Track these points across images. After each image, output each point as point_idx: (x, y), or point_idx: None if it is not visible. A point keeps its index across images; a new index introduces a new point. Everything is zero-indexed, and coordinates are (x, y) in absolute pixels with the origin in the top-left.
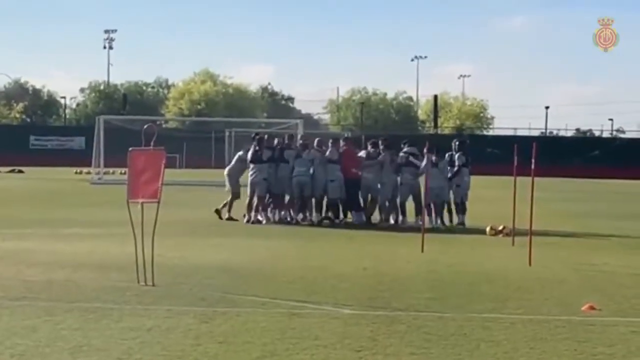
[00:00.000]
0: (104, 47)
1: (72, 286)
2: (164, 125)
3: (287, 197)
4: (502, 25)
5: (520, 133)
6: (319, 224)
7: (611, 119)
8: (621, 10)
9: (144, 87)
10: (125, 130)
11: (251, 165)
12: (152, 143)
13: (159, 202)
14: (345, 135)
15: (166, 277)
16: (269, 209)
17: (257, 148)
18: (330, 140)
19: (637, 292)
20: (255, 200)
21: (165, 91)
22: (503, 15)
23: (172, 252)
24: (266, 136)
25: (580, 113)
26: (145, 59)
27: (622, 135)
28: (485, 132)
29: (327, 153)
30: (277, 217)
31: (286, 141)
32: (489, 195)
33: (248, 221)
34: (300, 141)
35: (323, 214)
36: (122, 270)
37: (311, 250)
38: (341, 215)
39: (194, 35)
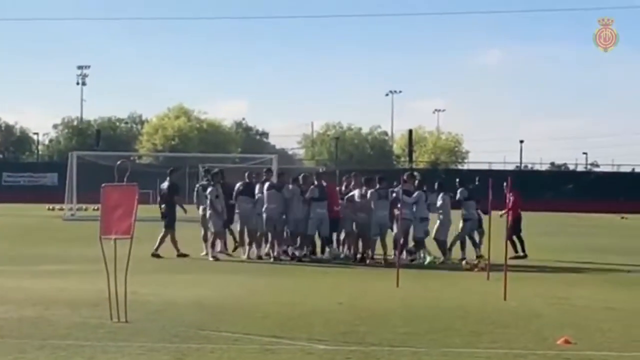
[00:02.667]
0: (77, 83)
1: (44, 323)
2: (137, 161)
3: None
4: (476, 60)
5: (495, 167)
6: (299, 259)
7: (585, 153)
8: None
9: (117, 123)
10: (98, 166)
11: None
12: (125, 179)
13: (132, 239)
14: (320, 170)
15: (139, 313)
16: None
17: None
18: (302, 176)
19: (611, 326)
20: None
21: (139, 127)
22: (477, 49)
23: (145, 288)
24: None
25: (555, 147)
26: (118, 94)
27: (596, 169)
28: (460, 167)
29: (309, 192)
30: (255, 254)
31: (263, 176)
32: None
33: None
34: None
35: (305, 250)
36: (94, 307)
37: (285, 285)
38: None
39: (168, 71)
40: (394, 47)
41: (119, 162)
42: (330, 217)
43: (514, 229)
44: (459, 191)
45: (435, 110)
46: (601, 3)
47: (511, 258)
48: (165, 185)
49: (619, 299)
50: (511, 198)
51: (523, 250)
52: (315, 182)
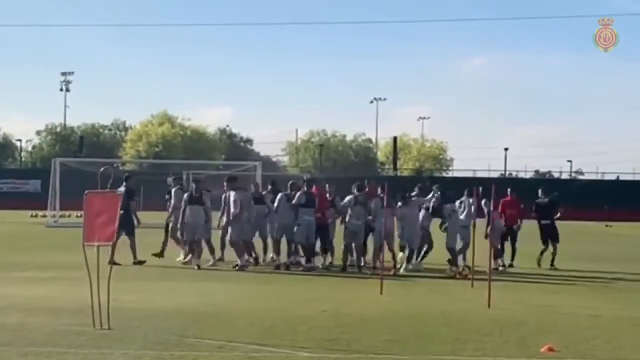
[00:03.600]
0: (61, 89)
1: (26, 330)
2: (121, 168)
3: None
4: (460, 67)
5: (479, 175)
6: (287, 268)
7: (570, 161)
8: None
9: (101, 129)
10: (81, 173)
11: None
12: (108, 185)
13: (114, 245)
14: (305, 177)
15: (122, 320)
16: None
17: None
18: (290, 184)
19: (595, 334)
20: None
21: (123, 133)
22: (461, 57)
23: (128, 295)
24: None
25: (540, 155)
26: (102, 101)
27: (580, 177)
28: (444, 174)
29: (296, 199)
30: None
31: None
32: None
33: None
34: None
35: (292, 257)
36: (77, 314)
37: (269, 292)
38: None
39: (152, 77)
40: (378, 55)
41: (102, 169)
42: (320, 224)
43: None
44: (483, 202)
45: (420, 117)
46: (586, 11)
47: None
48: (121, 190)
49: (603, 307)
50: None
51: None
52: (305, 188)
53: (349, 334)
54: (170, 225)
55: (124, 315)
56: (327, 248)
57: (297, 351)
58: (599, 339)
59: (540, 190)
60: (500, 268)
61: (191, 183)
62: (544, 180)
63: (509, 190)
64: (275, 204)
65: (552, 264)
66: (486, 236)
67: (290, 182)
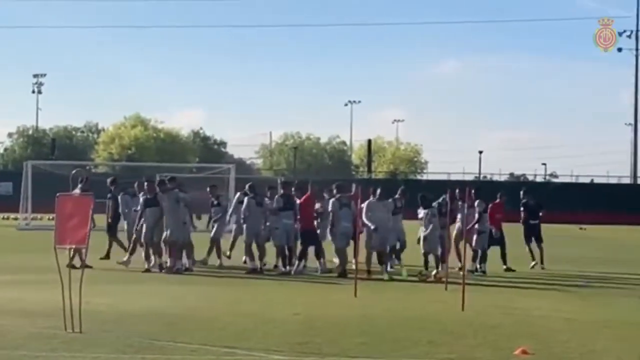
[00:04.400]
0: (33, 92)
1: None
2: (93, 170)
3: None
4: (435, 70)
5: (454, 178)
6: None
7: (544, 164)
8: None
9: (74, 132)
10: (53, 176)
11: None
12: (80, 188)
13: (87, 248)
14: (280, 179)
15: (94, 324)
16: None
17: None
18: (268, 188)
19: (569, 337)
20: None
21: (95, 136)
22: (436, 60)
23: (100, 298)
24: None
25: (514, 158)
26: (74, 103)
27: (555, 180)
28: (419, 177)
29: (275, 202)
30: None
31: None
32: None
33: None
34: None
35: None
36: (49, 317)
37: (242, 296)
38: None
39: (125, 80)
40: (352, 57)
41: (74, 172)
42: (308, 229)
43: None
44: (476, 203)
45: (394, 120)
46: (559, 15)
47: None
48: (77, 193)
49: (577, 310)
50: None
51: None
52: (281, 192)
53: (322, 337)
54: (126, 229)
55: (96, 319)
56: (320, 254)
57: (270, 354)
58: (572, 342)
59: (522, 192)
60: (477, 273)
61: (145, 185)
62: (518, 183)
63: (499, 194)
64: (243, 208)
65: (542, 263)
66: (464, 237)
67: (268, 186)
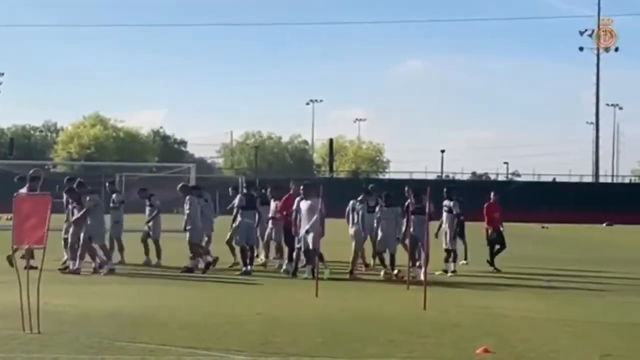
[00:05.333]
0: None
1: None
2: (52, 170)
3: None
4: (396, 70)
5: (416, 177)
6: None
7: (506, 163)
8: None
9: (32, 131)
10: (11, 175)
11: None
12: (38, 188)
13: (45, 248)
14: (240, 179)
15: (52, 324)
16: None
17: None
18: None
19: (530, 335)
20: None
21: (54, 135)
22: (397, 59)
23: (58, 299)
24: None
25: (476, 157)
26: (33, 102)
27: (517, 179)
28: (381, 176)
29: (237, 201)
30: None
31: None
32: None
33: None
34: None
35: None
36: (6, 318)
37: (202, 295)
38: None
39: (84, 79)
40: (314, 56)
41: (31, 171)
42: (286, 228)
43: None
44: (452, 204)
45: (356, 119)
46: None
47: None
48: (24, 192)
49: (539, 309)
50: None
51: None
52: (244, 191)
53: (283, 337)
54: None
55: (54, 319)
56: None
57: (230, 354)
58: (534, 341)
59: (493, 193)
60: (449, 274)
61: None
62: (481, 182)
63: (492, 193)
64: (191, 208)
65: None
66: (436, 235)
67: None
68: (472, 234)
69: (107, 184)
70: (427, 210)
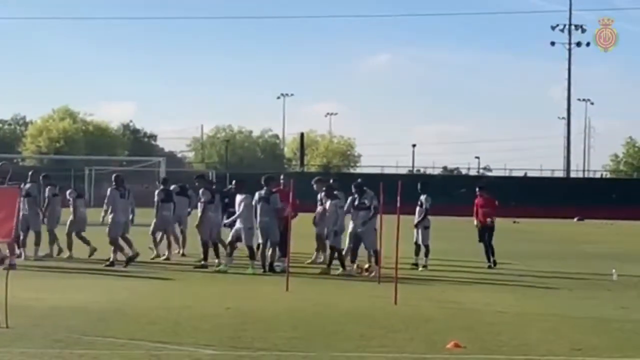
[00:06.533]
0: None
1: None
2: (20, 163)
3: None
4: (366, 64)
5: (387, 171)
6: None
7: (478, 157)
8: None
9: (0, 125)
10: None
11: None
12: (6, 182)
13: (13, 242)
14: (210, 172)
15: (21, 318)
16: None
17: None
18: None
19: (502, 329)
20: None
21: (23, 128)
22: (368, 53)
23: (27, 292)
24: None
25: (447, 151)
26: (1, 95)
27: (488, 174)
28: (352, 170)
29: (202, 195)
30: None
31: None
32: None
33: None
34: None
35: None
36: None
37: (172, 290)
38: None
39: (53, 72)
40: (285, 50)
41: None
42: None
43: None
44: (423, 198)
45: (327, 113)
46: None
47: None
48: None
49: (509, 303)
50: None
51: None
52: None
53: (253, 331)
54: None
55: (23, 313)
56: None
57: (200, 349)
58: (504, 335)
59: (478, 188)
60: (420, 269)
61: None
62: (452, 177)
63: (477, 188)
64: (107, 200)
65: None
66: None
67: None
68: (440, 229)
69: (41, 177)
70: (370, 205)
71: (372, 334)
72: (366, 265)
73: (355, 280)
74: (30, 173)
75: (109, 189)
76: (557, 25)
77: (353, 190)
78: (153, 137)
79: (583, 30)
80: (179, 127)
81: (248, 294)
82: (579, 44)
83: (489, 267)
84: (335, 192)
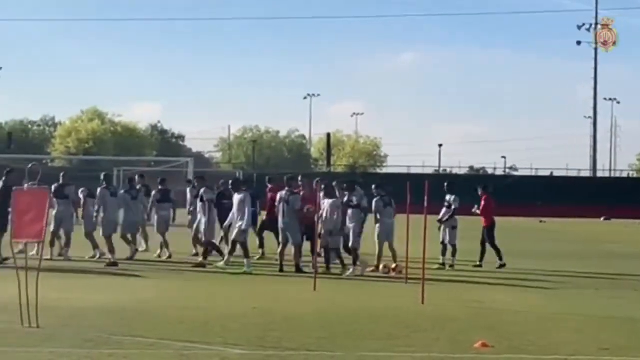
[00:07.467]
0: None
1: None
2: (50, 165)
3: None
4: (392, 63)
5: (413, 171)
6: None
7: (504, 157)
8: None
9: (30, 126)
10: None
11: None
12: (37, 183)
13: (43, 242)
14: (237, 172)
15: (51, 319)
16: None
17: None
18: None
19: (528, 329)
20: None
21: (52, 129)
22: (394, 53)
23: (57, 293)
24: None
25: (473, 151)
26: (31, 97)
27: (514, 173)
28: (378, 170)
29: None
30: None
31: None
32: None
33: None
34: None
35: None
36: (4, 312)
37: (200, 290)
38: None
39: (82, 73)
40: (311, 51)
41: (30, 166)
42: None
43: (489, 236)
44: (452, 198)
45: (354, 114)
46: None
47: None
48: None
49: (535, 303)
50: (482, 203)
51: (500, 258)
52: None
53: (281, 331)
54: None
55: (53, 314)
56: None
57: (228, 348)
58: (531, 335)
59: (483, 188)
60: (448, 267)
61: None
62: (478, 177)
63: (482, 188)
64: (97, 199)
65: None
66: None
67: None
68: (466, 230)
69: (5, 172)
70: (358, 203)
71: (399, 334)
72: (393, 265)
73: (382, 281)
74: (62, 174)
75: (98, 189)
76: (583, 24)
77: (343, 188)
78: (181, 137)
79: (610, 30)
80: (206, 128)
81: (274, 294)
82: (605, 43)
83: (479, 266)
84: (334, 192)
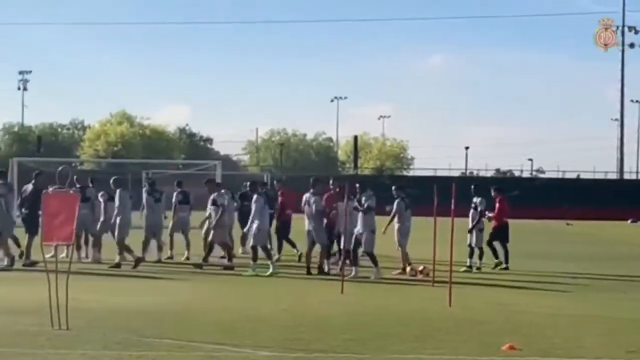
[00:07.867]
0: (19, 89)
1: None
2: (79, 167)
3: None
4: (419, 66)
5: (440, 173)
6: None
7: (531, 159)
8: (542, 51)
9: (59, 129)
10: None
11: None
12: (66, 185)
13: (73, 245)
14: (265, 175)
15: (81, 320)
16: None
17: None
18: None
19: (556, 332)
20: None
21: (81, 132)
22: (421, 55)
23: (86, 294)
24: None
25: (500, 153)
26: (60, 100)
27: (541, 176)
28: (405, 173)
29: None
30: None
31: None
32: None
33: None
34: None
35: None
36: (35, 314)
37: (228, 291)
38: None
39: (110, 76)
40: (338, 53)
41: (59, 168)
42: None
43: (497, 236)
44: (478, 200)
45: (381, 116)
46: (546, 10)
47: (493, 267)
48: (29, 188)
49: (562, 305)
50: (497, 205)
51: (506, 261)
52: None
53: (309, 333)
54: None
55: (82, 315)
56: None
57: (257, 350)
58: (559, 337)
59: (497, 189)
60: (475, 270)
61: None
62: (504, 179)
63: (495, 190)
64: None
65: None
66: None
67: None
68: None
69: (34, 175)
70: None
71: (427, 336)
72: (420, 267)
73: (409, 283)
74: (90, 178)
75: (117, 191)
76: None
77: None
78: (209, 140)
79: (636, 32)
80: (234, 131)
81: (303, 296)
82: (632, 45)
83: (506, 268)
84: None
